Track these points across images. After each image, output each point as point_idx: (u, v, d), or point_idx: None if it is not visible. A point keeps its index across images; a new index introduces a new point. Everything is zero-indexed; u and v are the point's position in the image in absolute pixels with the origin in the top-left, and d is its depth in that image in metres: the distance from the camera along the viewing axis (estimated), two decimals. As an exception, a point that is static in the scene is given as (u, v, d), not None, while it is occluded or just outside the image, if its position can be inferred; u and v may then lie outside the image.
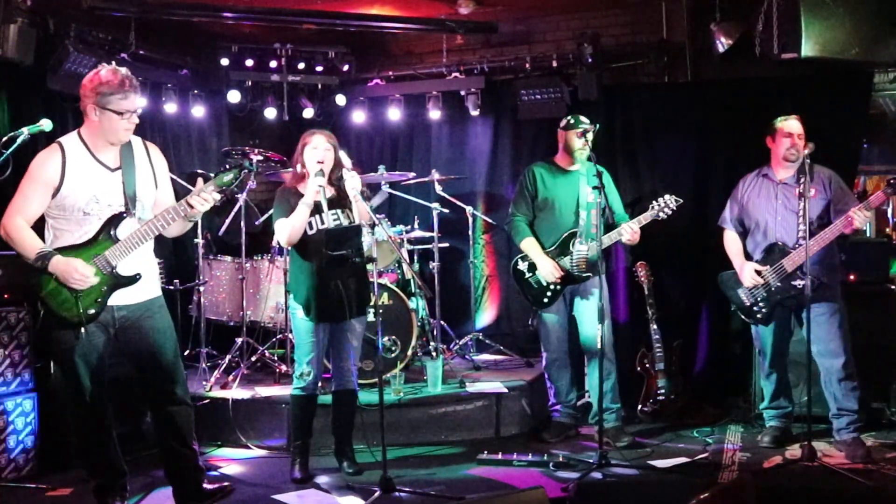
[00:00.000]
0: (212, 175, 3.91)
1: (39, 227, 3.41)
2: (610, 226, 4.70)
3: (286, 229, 4.01)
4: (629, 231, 4.53)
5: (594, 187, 4.40)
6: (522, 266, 4.83)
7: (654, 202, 4.55)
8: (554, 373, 4.89)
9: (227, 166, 3.52)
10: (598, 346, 4.38)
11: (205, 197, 3.35)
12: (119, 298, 3.40)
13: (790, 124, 4.51)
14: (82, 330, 3.30)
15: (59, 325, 3.32)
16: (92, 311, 3.32)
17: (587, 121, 4.73)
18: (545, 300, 4.76)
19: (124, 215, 3.37)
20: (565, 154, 4.78)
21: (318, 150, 4.05)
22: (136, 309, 3.46)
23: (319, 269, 4.00)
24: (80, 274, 3.24)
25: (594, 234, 4.55)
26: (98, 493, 3.53)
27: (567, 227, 4.71)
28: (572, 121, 4.75)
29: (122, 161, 3.43)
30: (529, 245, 4.76)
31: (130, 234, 3.35)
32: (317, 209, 3.99)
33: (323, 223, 4.03)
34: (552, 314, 4.79)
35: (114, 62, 3.52)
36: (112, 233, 3.34)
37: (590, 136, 4.59)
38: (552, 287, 4.72)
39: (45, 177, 3.31)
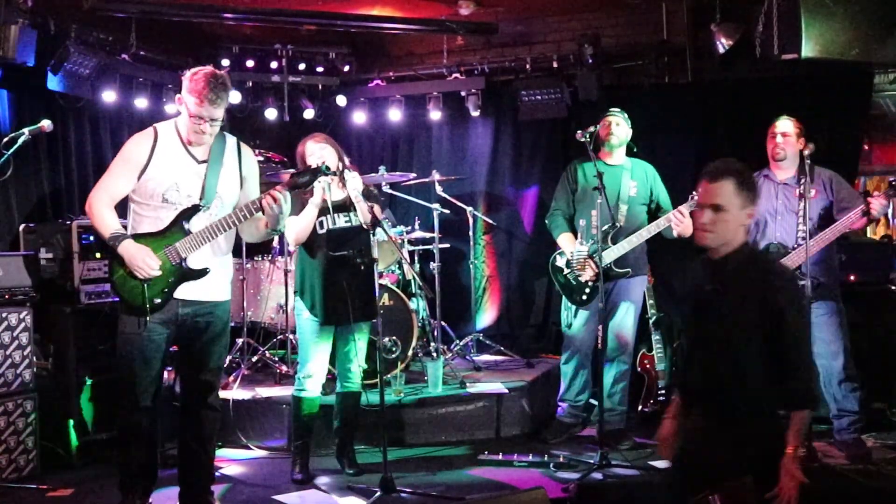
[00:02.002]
0: None
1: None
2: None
3: (293, 228, 4.03)
4: (678, 217, 4.39)
5: (594, 188, 4.38)
6: (560, 262, 4.75)
7: (693, 192, 4.36)
8: (571, 369, 4.84)
9: (304, 168, 3.51)
10: (599, 345, 4.38)
11: (275, 196, 3.33)
12: (187, 292, 3.40)
13: (777, 124, 4.52)
14: (147, 319, 3.32)
15: (125, 311, 3.36)
16: (158, 301, 3.33)
17: (617, 110, 4.75)
18: (583, 297, 4.66)
19: (199, 208, 3.39)
20: (603, 147, 4.74)
21: (314, 155, 4.05)
22: (200, 308, 3.46)
23: (327, 269, 4.01)
24: (146, 263, 3.26)
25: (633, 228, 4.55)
26: (124, 487, 3.51)
27: (605, 221, 4.53)
28: (605, 113, 4.78)
29: (211, 155, 3.45)
30: (564, 240, 4.73)
31: (203, 228, 3.37)
32: (328, 209, 3.99)
33: (334, 223, 4.04)
34: (586, 311, 4.72)
35: (226, 68, 3.53)
36: (185, 225, 3.36)
37: (614, 125, 4.62)
38: (589, 284, 4.63)
39: (134, 157, 3.37)
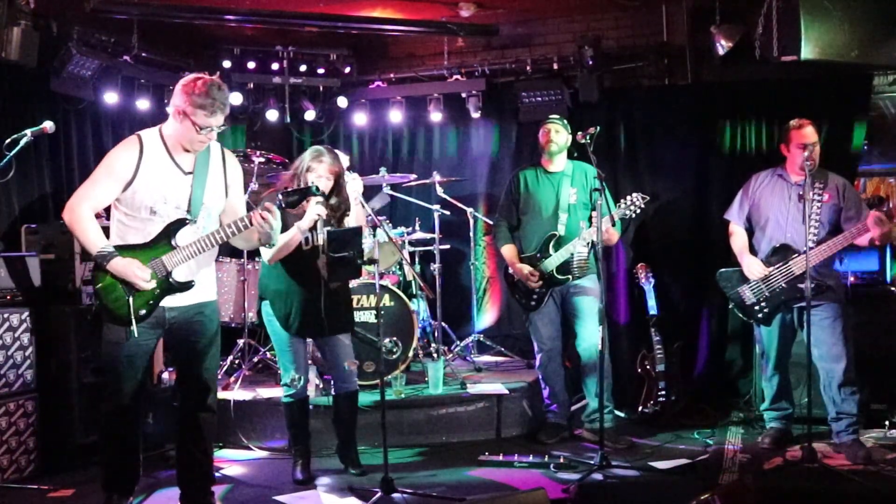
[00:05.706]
0: None
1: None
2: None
3: (273, 250, 3.92)
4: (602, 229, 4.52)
5: (594, 189, 4.41)
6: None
7: (621, 200, 4.59)
8: (548, 374, 4.91)
9: (293, 187, 3.51)
10: (598, 346, 4.40)
11: (264, 215, 3.30)
12: (172, 301, 3.41)
13: (806, 133, 4.42)
14: (132, 329, 3.31)
15: (109, 320, 3.36)
16: (143, 312, 3.33)
17: (556, 117, 4.88)
18: (532, 303, 4.80)
19: (186, 222, 3.37)
20: (544, 154, 4.86)
21: (321, 178, 4.00)
22: (187, 310, 3.47)
23: (303, 283, 4.00)
24: (139, 276, 3.25)
25: (582, 233, 4.62)
26: (107, 488, 3.54)
27: (548, 229, 4.75)
28: (545, 120, 4.89)
29: (197, 166, 3.43)
30: (507, 252, 4.85)
31: (189, 244, 3.35)
32: (315, 228, 3.96)
33: (318, 240, 4.02)
34: (542, 316, 4.81)
35: (217, 74, 3.48)
36: (171, 239, 3.35)
37: (553, 132, 4.72)
38: (536, 290, 4.75)
39: (120, 169, 3.32)
